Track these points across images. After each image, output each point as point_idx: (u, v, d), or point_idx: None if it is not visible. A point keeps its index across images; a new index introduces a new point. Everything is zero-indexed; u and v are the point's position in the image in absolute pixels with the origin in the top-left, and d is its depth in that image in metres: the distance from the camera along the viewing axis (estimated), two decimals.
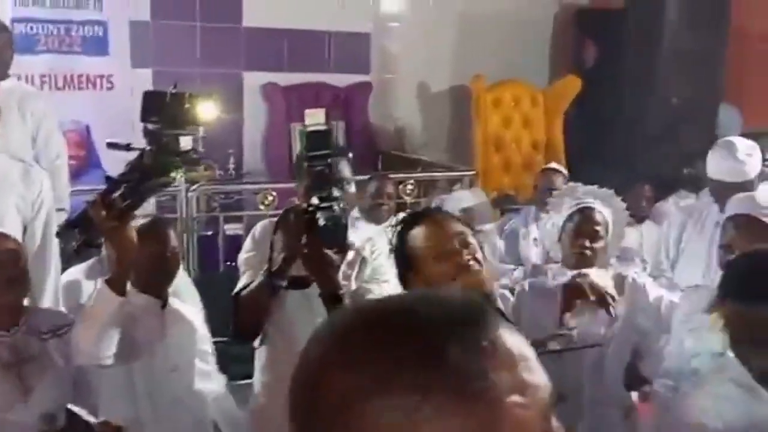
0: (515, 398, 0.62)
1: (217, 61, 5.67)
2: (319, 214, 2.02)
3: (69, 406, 1.28)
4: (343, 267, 2.18)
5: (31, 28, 4.91)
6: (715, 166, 3.15)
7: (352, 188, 2.43)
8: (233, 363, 2.88)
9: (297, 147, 5.41)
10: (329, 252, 2.03)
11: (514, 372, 0.63)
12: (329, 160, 2.05)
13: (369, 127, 6.20)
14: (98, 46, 5.16)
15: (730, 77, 5.63)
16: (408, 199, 4.80)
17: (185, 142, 1.95)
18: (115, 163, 3.11)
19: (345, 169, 2.36)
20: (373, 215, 4.11)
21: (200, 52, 5.67)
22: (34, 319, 2.27)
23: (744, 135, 4.84)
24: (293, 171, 2.47)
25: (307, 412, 0.65)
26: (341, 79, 6.11)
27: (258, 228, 2.41)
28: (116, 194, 1.97)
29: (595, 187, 2.95)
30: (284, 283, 2.11)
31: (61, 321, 2.28)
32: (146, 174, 1.98)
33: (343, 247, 2.10)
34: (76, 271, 2.60)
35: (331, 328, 0.68)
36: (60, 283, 2.75)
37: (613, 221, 2.71)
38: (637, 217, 4.20)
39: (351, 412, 0.61)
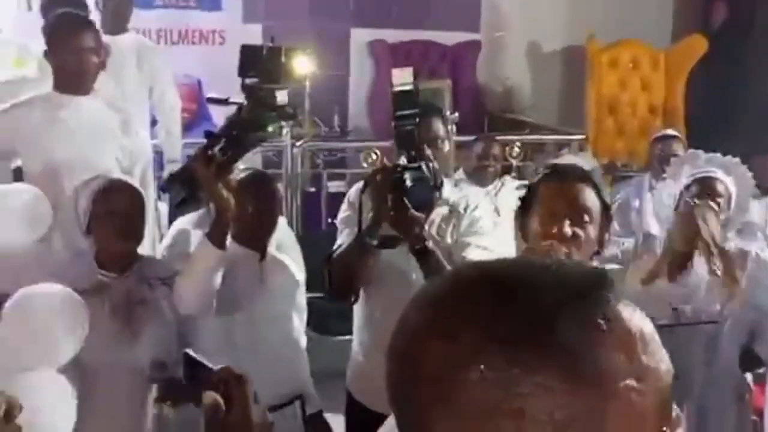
0: (630, 383, 0.56)
1: (326, 16, 5.65)
2: (406, 174, 2.02)
3: (187, 351, 1.30)
4: (438, 221, 2.18)
5: None
6: None
7: (446, 147, 2.40)
8: (335, 318, 2.91)
9: None
10: (415, 212, 2.02)
11: (632, 354, 0.57)
12: (417, 120, 2.03)
13: (477, 87, 6.07)
14: (212, 1, 5.25)
15: None
16: (514, 162, 4.66)
17: (281, 97, 1.97)
18: (225, 118, 3.15)
19: (439, 128, 2.33)
20: (478, 177, 4.02)
21: (309, 7, 5.67)
22: (146, 267, 2.33)
23: None
24: None
25: (404, 382, 0.61)
26: (450, 37, 5.99)
27: (353, 189, 2.42)
28: (216, 148, 2.01)
29: (717, 155, 2.77)
30: (374, 242, 2.11)
31: (170, 269, 2.33)
32: (244, 128, 2.00)
33: (431, 206, 2.09)
34: (186, 221, 2.68)
35: (430, 293, 0.63)
36: (156, 233, 2.83)
37: (736, 192, 2.54)
38: (763, 188, 3.91)
39: (449, 383, 0.57)
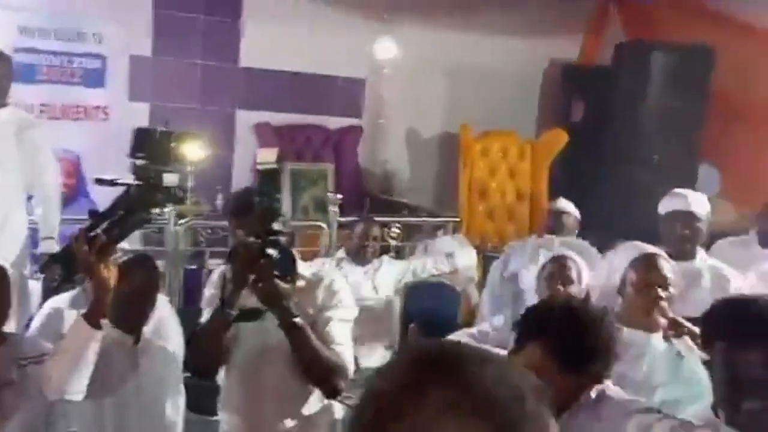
0: None
1: (212, 98, 5.78)
2: (269, 247, 2.12)
3: None
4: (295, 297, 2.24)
5: (34, 58, 5.01)
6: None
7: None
8: (213, 397, 2.92)
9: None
10: (280, 282, 2.13)
11: None
12: (277, 197, 2.16)
13: (358, 170, 6.31)
14: (96, 78, 5.27)
15: (710, 138, 5.80)
16: (393, 242, 4.87)
17: (170, 179, 2.00)
18: (103, 194, 3.18)
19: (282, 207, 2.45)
20: (359, 256, 4.20)
21: (197, 89, 5.79)
22: (14, 346, 2.26)
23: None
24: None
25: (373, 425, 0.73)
26: (333, 122, 6.23)
27: (215, 271, 2.48)
28: (99, 229, 2.00)
29: (571, 239, 3.15)
30: (233, 313, 2.17)
31: (39, 349, 2.25)
32: (130, 209, 2.01)
33: (294, 276, 2.19)
34: (60, 300, 2.62)
35: (407, 366, 0.76)
36: (27, 312, 2.75)
37: (587, 272, 2.92)
38: None
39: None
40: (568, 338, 1.78)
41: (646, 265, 2.46)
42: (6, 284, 2.26)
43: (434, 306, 4.40)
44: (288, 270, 2.18)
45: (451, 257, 4.56)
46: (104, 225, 2.01)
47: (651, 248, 2.57)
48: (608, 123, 5.91)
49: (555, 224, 4.20)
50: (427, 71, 6.28)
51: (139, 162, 2.03)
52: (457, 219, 5.42)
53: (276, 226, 2.16)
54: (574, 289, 2.89)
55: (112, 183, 2.10)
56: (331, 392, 2.29)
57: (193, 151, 2.01)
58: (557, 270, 2.93)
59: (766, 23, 5.61)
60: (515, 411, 0.70)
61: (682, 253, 3.09)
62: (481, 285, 4.65)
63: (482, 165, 5.87)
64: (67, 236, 2.54)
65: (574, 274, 2.93)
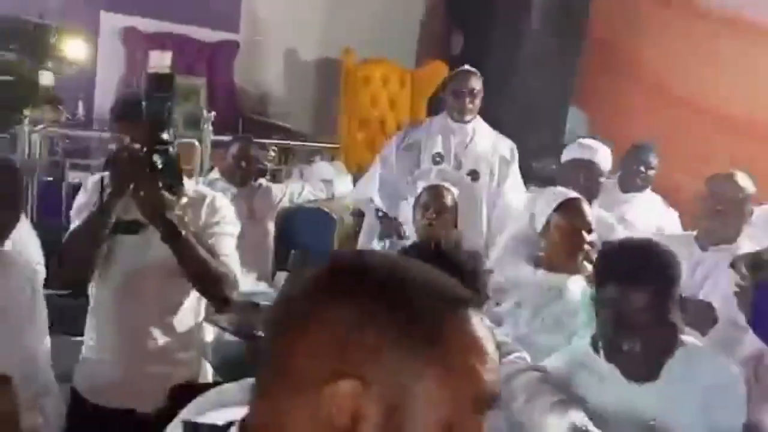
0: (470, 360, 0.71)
1: None
2: (155, 156, 2.02)
3: None
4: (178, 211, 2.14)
5: None
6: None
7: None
8: (81, 317, 2.72)
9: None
10: (166, 193, 2.03)
11: (468, 357, 0.71)
12: (169, 104, 2.04)
13: (233, 88, 6.02)
14: None
15: (582, 83, 5.97)
16: (269, 165, 4.72)
17: (47, 78, 1.85)
18: None
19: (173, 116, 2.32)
20: (234, 177, 4.01)
21: None
22: None
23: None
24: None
25: (289, 324, 0.73)
26: (208, 35, 5.88)
27: (91, 177, 2.34)
28: None
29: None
30: (111, 219, 2.07)
31: None
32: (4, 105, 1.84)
33: (179, 189, 2.09)
34: None
35: (328, 264, 0.75)
36: None
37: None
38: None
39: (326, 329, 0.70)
40: None
41: (571, 210, 2.48)
42: None
43: (311, 232, 4.33)
44: (174, 181, 2.06)
45: (329, 184, 4.48)
46: None
47: (574, 193, 2.58)
48: (486, 58, 5.93)
49: None
50: None
51: (9, 55, 1.83)
52: (336, 146, 5.32)
53: (165, 135, 2.01)
54: (448, 217, 3.02)
55: None
56: (222, 302, 2.24)
57: (76, 49, 1.84)
58: (432, 199, 3.02)
59: None
60: (434, 315, 0.71)
61: None
62: (356, 213, 4.62)
63: (363, 93, 5.76)
64: None
65: (449, 202, 3.02)
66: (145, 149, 2.01)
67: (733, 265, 1.83)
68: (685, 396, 1.73)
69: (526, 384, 1.76)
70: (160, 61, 2.01)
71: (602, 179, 3.27)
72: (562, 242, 2.44)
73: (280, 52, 6.22)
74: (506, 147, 3.90)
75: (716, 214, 2.73)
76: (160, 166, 2.01)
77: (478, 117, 3.89)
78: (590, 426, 1.64)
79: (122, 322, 2.24)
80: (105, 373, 2.24)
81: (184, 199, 2.19)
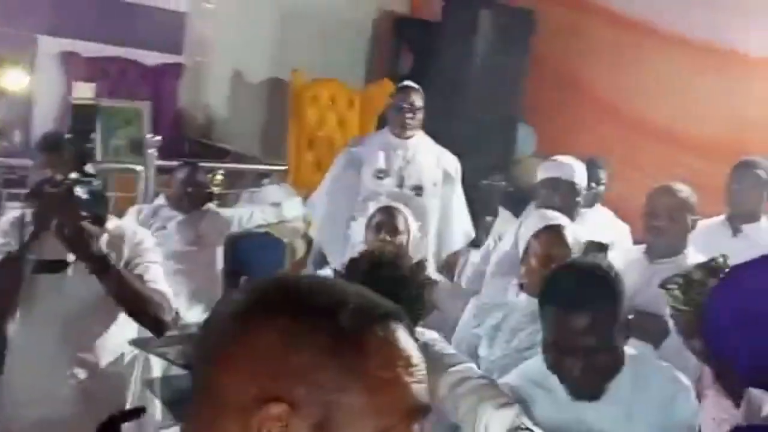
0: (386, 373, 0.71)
1: (10, 19, 5.09)
2: (78, 187, 2.01)
3: None
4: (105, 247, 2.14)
5: None
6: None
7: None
8: None
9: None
10: (90, 225, 2.01)
11: (394, 370, 0.71)
12: (92, 136, 2.04)
13: (178, 111, 5.90)
14: None
15: (529, 99, 6.03)
16: (216, 189, 4.61)
17: None
18: None
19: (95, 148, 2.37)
20: (181, 203, 3.91)
21: None
22: None
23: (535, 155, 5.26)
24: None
25: (217, 348, 0.73)
26: (151, 57, 5.76)
27: (3, 219, 2.30)
28: None
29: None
30: (32, 257, 2.04)
31: None
32: None
33: (103, 219, 2.09)
34: None
35: (254, 286, 0.76)
36: None
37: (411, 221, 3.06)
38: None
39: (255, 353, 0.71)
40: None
41: (549, 238, 2.39)
42: None
43: (260, 258, 4.23)
44: (100, 212, 2.05)
45: (278, 207, 4.40)
46: None
47: (555, 219, 2.49)
48: (435, 77, 5.95)
49: None
50: (254, 9, 5.96)
51: None
52: (285, 168, 5.25)
53: (89, 167, 2.02)
54: (401, 238, 3.00)
55: None
56: (160, 326, 2.22)
57: (12, 78, 1.85)
58: (385, 220, 3.00)
59: None
60: (357, 330, 0.71)
61: None
62: (307, 237, 4.54)
63: (311, 113, 5.70)
64: None
65: (401, 225, 3.01)
66: (67, 181, 1.99)
67: (663, 286, 1.81)
68: (636, 412, 1.73)
69: (471, 389, 1.75)
70: (83, 92, 2.00)
71: (579, 199, 3.12)
72: (538, 269, 2.35)
73: (226, 74, 6.13)
74: (450, 163, 3.89)
75: (655, 228, 2.73)
76: (84, 197, 1.98)
77: (421, 132, 3.88)
78: (530, 425, 1.63)
79: (41, 362, 2.20)
80: (26, 415, 2.19)
81: (105, 236, 2.17)
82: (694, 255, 2.66)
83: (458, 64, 5.85)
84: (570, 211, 2.88)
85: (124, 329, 2.31)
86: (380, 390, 0.69)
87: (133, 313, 2.17)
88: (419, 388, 0.71)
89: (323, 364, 0.68)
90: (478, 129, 5.78)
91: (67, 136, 2.04)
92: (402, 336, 0.72)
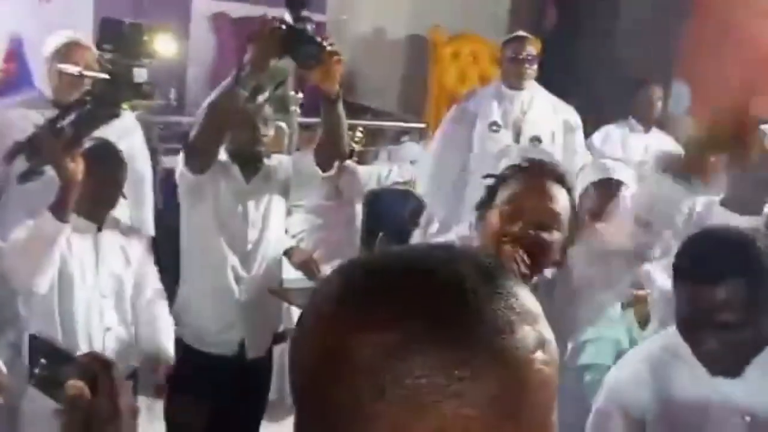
0: (539, 355, 0.61)
1: None
2: (294, 34, 2.17)
3: (34, 334, 1.22)
4: None
5: None
6: None
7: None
8: None
9: None
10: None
11: (536, 327, 0.62)
12: None
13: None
14: None
15: (684, 55, 5.64)
16: (356, 147, 4.67)
17: (139, 74, 1.99)
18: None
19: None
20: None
21: None
22: None
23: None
24: None
25: (328, 381, 0.59)
26: None
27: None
28: (66, 121, 1.97)
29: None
30: (246, 92, 2.21)
31: None
32: (98, 103, 1.98)
33: (320, 57, 2.26)
34: None
35: (345, 288, 0.62)
36: None
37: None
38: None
39: (384, 375, 0.57)
40: None
41: (601, 192, 2.27)
42: None
43: (398, 214, 4.26)
44: (318, 57, 2.25)
45: (416, 165, 4.40)
46: (71, 117, 1.99)
47: (613, 171, 2.33)
48: (581, 33, 5.70)
49: None
50: None
51: (107, 55, 2.01)
52: (424, 125, 5.23)
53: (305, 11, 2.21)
54: None
55: (79, 75, 2.17)
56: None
57: (164, 45, 2.01)
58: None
59: None
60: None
61: None
62: None
63: (452, 70, 5.62)
64: None
65: None
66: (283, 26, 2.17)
67: None
68: None
69: None
70: None
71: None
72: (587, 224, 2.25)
73: (366, 31, 6.16)
74: (569, 112, 3.75)
75: None
76: (305, 41, 2.17)
77: (535, 83, 3.74)
78: None
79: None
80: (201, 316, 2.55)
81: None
82: None
83: (606, 16, 5.56)
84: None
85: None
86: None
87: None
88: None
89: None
90: (629, 85, 5.50)
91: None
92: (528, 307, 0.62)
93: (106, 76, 1.98)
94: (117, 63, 1.98)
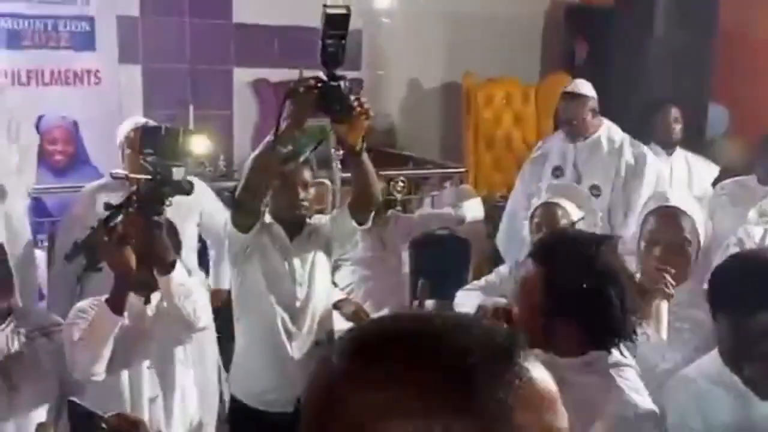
0: None
1: (206, 57, 5.62)
2: (328, 91, 2.26)
3: (72, 399, 1.31)
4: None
5: (18, 23, 4.86)
6: None
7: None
8: None
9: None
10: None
11: (541, 415, 0.60)
12: (344, 41, 2.25)
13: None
14: (85, 41, 5.12)
15: (719, 77, 5.63)
16: (398, 197, 4.77)
17: (178, 173, 2.19)
18: (104, 160, 3.13)
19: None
20: None
21: (190, 48, 5.62)
22: (22, 319, 2.27)
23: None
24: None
25: (322, 427, 0.62)
26: None
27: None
28: (116, 220, 2.17)
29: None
30: (283, 151, 2.32)
31: (49, 321, 2.30)
32: (142, 202, 2.16)
33: (351, 112, 2.32)
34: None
35: (351, 343, 0.65)
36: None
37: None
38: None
39: (371, 429, 0.59)
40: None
41: (661, 220, 2.28)
42: (5, 260, 2.30)
43: (444, 260, 4.32)
44: (341, 109, 2.31)
45: (459, 209, 4.47)
46: (119, 216, 2.18)
47: (674, 200, 2.34)
48: (612, 64, 5.74)
49: None
50: (425, 19, 6.10)
51: (149, 158, 2.21)
52: (463, 170, 5.31)
53: (339, 71, 2.29)
54: None
55: (126, 177, 2.46)
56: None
57: (199, 145, 2.25)
58: (545, 217, 2.92)
59: None
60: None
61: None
62: (490, 236, 4.57)
63: (487, 113, 5.72)
64: (67, 202, 2.62)
65: (562, 221, 2.90)
66: (319, 84, 2.24)
67: None
68: None
69: None
70: (336, 1, 2.23)
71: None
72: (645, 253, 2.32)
73: (402, 83, 6.32)
74: (633, 153, 3.74)
75: None
76: (333, 97, 2.26)
77: (602, 124, 3.77)
78: None
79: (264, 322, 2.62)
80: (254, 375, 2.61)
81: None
82: None
83: (636, 48, 5.60)
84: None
85: None
86: None
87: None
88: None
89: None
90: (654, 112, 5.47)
91: (321, 41, 2.26)
92: (538, 376, 0.61)
93: (149, 177, 2.17)
94: (157, 164, 2.17)
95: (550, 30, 6.49)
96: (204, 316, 2.47)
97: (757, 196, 3.44)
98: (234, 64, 5.87)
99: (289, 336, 2.62)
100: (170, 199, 2.18)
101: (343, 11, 2.21)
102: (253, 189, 2.39)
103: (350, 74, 6.54)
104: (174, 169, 2.16)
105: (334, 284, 3.39)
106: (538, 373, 0.61)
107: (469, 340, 0.61)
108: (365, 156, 2.46)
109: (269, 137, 2.31)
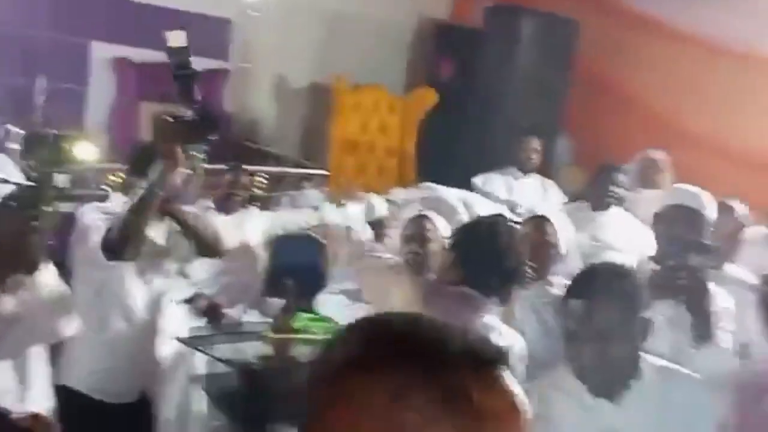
0: None
1: (64, 27, 5.29)
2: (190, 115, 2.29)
3: None
4: None
5: None
6: None
7: None
8: None
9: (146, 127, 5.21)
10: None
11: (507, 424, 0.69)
12: (191, 74, 2.35)
13: (224, 116, 6.04)
14: None
15: (570, 110, 6.01)
16: (259, 192, 4.72)
17: (62, 180, 2.13)
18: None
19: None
20: (225, 205, 4.02)
21: (46, 15, 5.27)
22: None
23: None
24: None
25: (324, 404, 0.69)
26: (199, 63, 5.87)
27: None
28: None
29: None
30: (161, 192, 2.34)
31: None
32: (23, 207, 2.09)
33: (215, 127, 2.38)
34: None
35: (360, 333, 0.72)
36: None
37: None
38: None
39: (363, 409, 0.67)
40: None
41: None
42: None
43: (300, 259, 4.32)
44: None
45: (318, 211, 4.49)
46: None
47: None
48: (477, 84, 5.96)
49: None
50: (296, 16, 6.08)
51: (30, 163, 2.22)
52: (326, 172, 5.34)
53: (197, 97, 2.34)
54: (434, 247, 2.98)
55: (3, 181, 2.31)
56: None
57: (84, 152, 2.15)
58: (415, 230, 3.01)
59: (630, 2, 5.86)
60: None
61: None
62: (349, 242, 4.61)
63: (354, 119, 5.79)
64: None
65: (431, 234, 3.00)
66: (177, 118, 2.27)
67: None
68: (653, 417, 1.76)
69: None
70: (177, 39, 2.20)
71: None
72: None
73: (269, 78, 6.26)
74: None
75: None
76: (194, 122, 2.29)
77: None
78: None
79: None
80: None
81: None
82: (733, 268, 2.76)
83: (500, 74, 5.86)
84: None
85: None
86: None
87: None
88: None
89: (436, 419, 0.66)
90: (516, 139, 5.77)
91: (173, 76, 2.33)
92: (507, 382, 0.70)
93: (29, 184, 2.12)
94: (39, 171, 2.12)
95: (419, 44, 6.67)
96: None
97: (589, 221, 3.76)
98: (93, 38, 5.56)
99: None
100: (55, 204, 2.11)
101: (183, 44, 2.19)
102: (137, 232, 2.40)
103: (218, 64, 6.42)
104: (57, 176, 2.11)
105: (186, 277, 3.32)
106: (515, 388, 0.71)
107: (465, 344, 0.70)
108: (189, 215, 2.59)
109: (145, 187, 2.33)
